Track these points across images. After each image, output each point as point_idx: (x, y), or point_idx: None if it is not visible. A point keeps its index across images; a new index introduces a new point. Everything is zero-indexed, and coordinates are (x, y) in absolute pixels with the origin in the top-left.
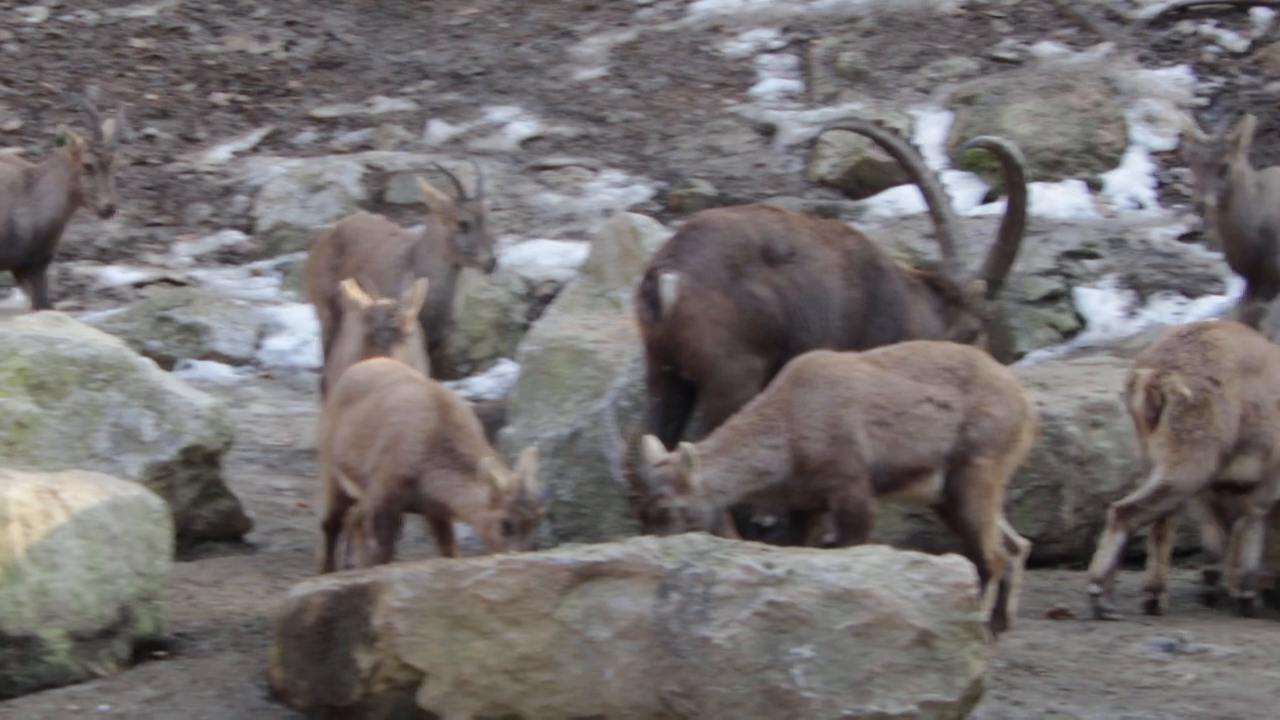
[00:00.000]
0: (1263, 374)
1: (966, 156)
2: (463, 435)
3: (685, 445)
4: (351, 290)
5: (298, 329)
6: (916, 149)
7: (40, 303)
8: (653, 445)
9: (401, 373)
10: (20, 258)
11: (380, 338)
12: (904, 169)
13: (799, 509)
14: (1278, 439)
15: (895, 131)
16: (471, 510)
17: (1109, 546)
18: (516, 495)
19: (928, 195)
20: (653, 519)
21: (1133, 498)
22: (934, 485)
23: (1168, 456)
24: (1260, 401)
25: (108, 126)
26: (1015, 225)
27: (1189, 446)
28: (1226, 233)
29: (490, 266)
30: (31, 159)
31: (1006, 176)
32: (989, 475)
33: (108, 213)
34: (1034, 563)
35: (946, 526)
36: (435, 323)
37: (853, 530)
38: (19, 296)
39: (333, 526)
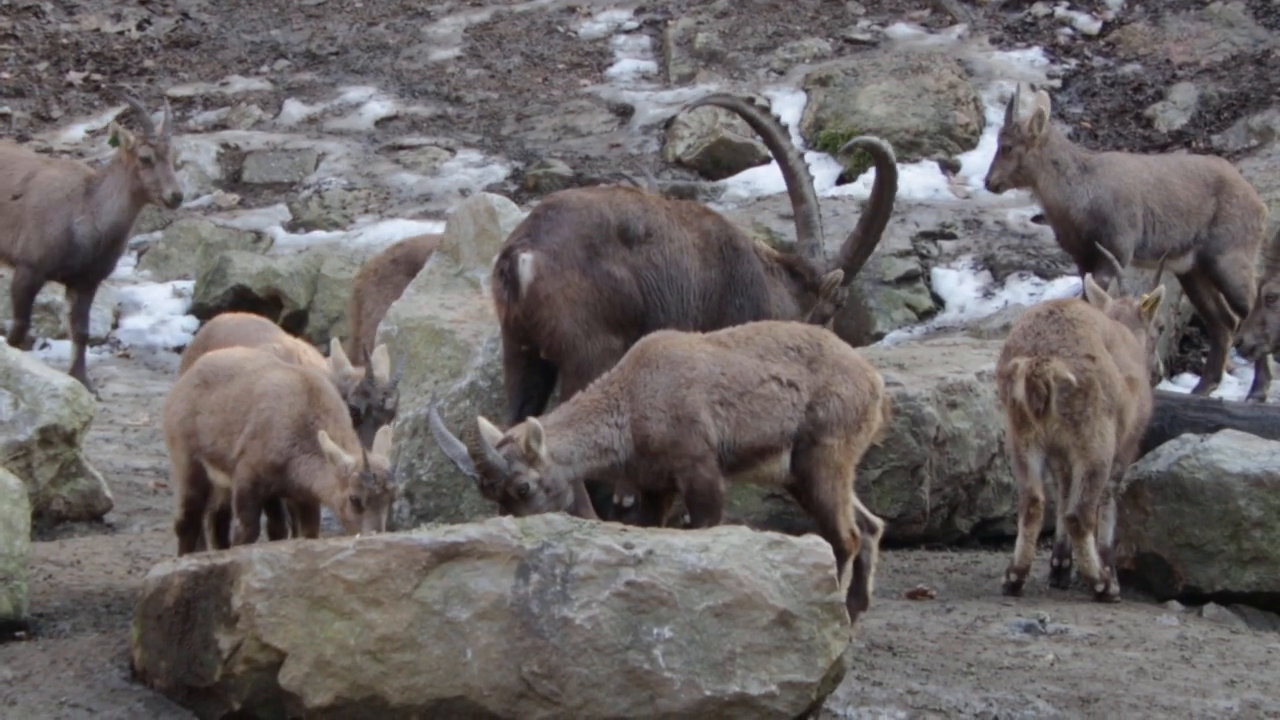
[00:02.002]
0: (1114, 350)
1: (822, 138)
2: (329, 420)
3: (530, 419)
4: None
5: (155, 308)
6: (785, 128)
7: (80, 316)
8: (488, 428)
9: (267, 358)
10: (80, 267)
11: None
12: (770, 147)
13: (650, 489)
14: (1128, 415)
15: (765, 110)
16: (329, 493)
17: (1089, 548)
18: (361, 472)
19: (790, 175)
20: (514, 499)
21: (1073, 502)
22: (782, 465)
23: (1073, 442)
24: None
25: (158, 118)
26: (879, 219)
27: (1086, 424)
28: (1051, 214)
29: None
30: None
31: (879, 174)
32: (839, 455)
33: (174, 202)
34: (893, 543)
35: (801, 507)
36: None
37: (703, 510)
38: None
39: (189, 525)
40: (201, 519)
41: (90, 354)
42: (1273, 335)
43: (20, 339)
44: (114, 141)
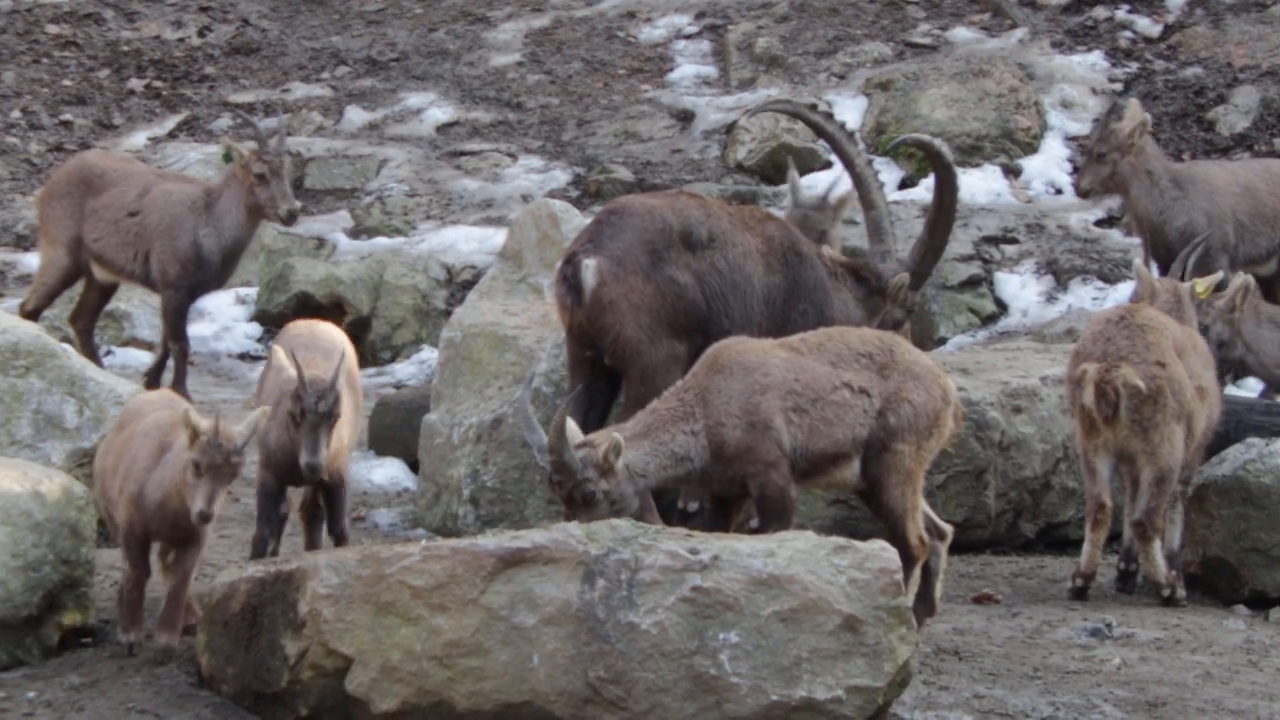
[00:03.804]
0: (1185, 357)
1: (882, 144)
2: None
3: (612, 430)
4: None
5: (218, 315)
6: (851, 134)
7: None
8: (573, 427)
9: (164, 401)
10: (212, 280)
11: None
12: (837, 153)
13: (721, 495)
14: (1197, 422)
15: (829, 116)
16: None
17: (1156, 553)
18: (211, 437)
19: (859, 181)
20: (577, 502)
21: (1140, 507)
22: (853, 471)
23: (1142, 448)
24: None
25: (273, 134)
26: (943, 220)
27: (1155, 431)
28: (1141, 225)
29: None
30: None
31: (935, 173)
32: (910, 461)
33: (290, 219)
34: (958, 548)
35: (870, 512)
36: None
37: (774, 516)
38: None
39: (136, 559)
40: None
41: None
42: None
43: (183, 359)
44: (227, 157)
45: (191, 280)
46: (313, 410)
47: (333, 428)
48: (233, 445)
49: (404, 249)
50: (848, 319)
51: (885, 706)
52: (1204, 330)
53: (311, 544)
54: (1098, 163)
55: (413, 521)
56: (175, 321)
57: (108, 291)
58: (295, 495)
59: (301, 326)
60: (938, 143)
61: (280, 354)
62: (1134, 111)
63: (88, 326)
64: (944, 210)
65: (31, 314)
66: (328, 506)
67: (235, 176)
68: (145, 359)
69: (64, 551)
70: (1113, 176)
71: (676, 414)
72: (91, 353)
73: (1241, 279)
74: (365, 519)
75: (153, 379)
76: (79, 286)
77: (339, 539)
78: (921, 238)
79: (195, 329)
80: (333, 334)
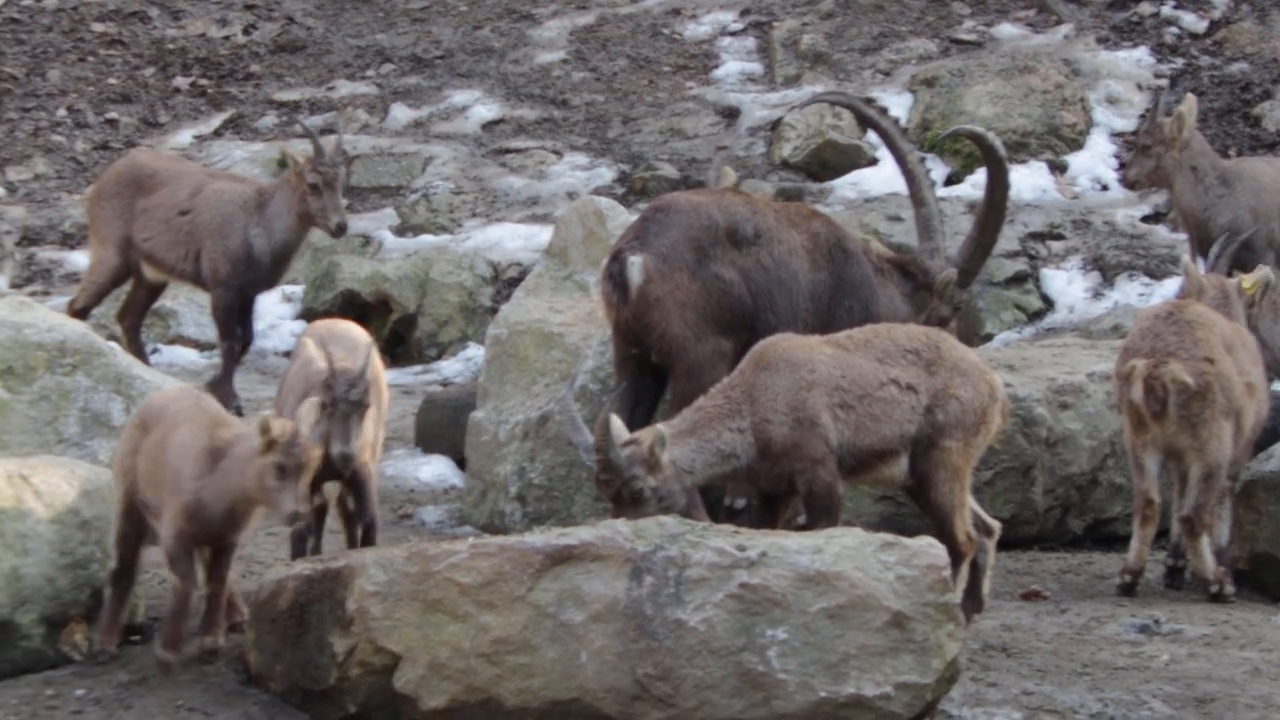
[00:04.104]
0: (1234, 354)
1: (928, 140)
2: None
3: (658, 425)
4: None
5: (265, 313)
6: (904, 130)
7: (244, 326)
8: (618, 425)
9: (189, 399)
10: (262, 280)
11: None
12: (889, 148)
13: (768, 491)
14: (1246, 418)
15: (884, 110)
16: (250, 471)
17: (1204, 549)
18: (290, 439)
19: (910, 177)
20: (625, 500)
21: (1188, 503)
22: (901, 467)
23: (1190, 444)
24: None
25: (329, 145)
26: (994, 217)
27: (1203, 427)
28: (1186, 219)
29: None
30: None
31: (987, 168)
32: (957, 457)
33: (339, 232)
34: (1006, 544)
35: (918, 508)
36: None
37: (821, 512)
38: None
39: (123, 573)
40: (134, 569)
41: (201, 359)
42: None
43: (231, 356)
44: (282, 164)
45: (242, 279)
46: (344, 399)
47: (363, 417)
48: (310, 443)
49: (450, 246)
50: (894, 315)
51: (933, 703)
52: (1253, 326)
53: (352, 541)
54: (1143, 155)
55: (460, 519)
56: (225, 320)
57: (156, 290)
58: (331, 490)
59: (322, 326)
60: (990, 136)
61: (309, 346)
62: (1187, 106)
63: (135, 324)
64: (995, 206)
65: (80, 312)
66: (355, 499)
67: (289, 182)
68: (192, 356)
69: (112, 549)
70: (1157, 170)
71: (723, 411)
72: (139, 350)
73: (1263, 273)
74: (412, 516)
75: (225, 379)
76: (127, 284)
77: (368, 528)
78: (971, 234)
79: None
80: (354, 332)
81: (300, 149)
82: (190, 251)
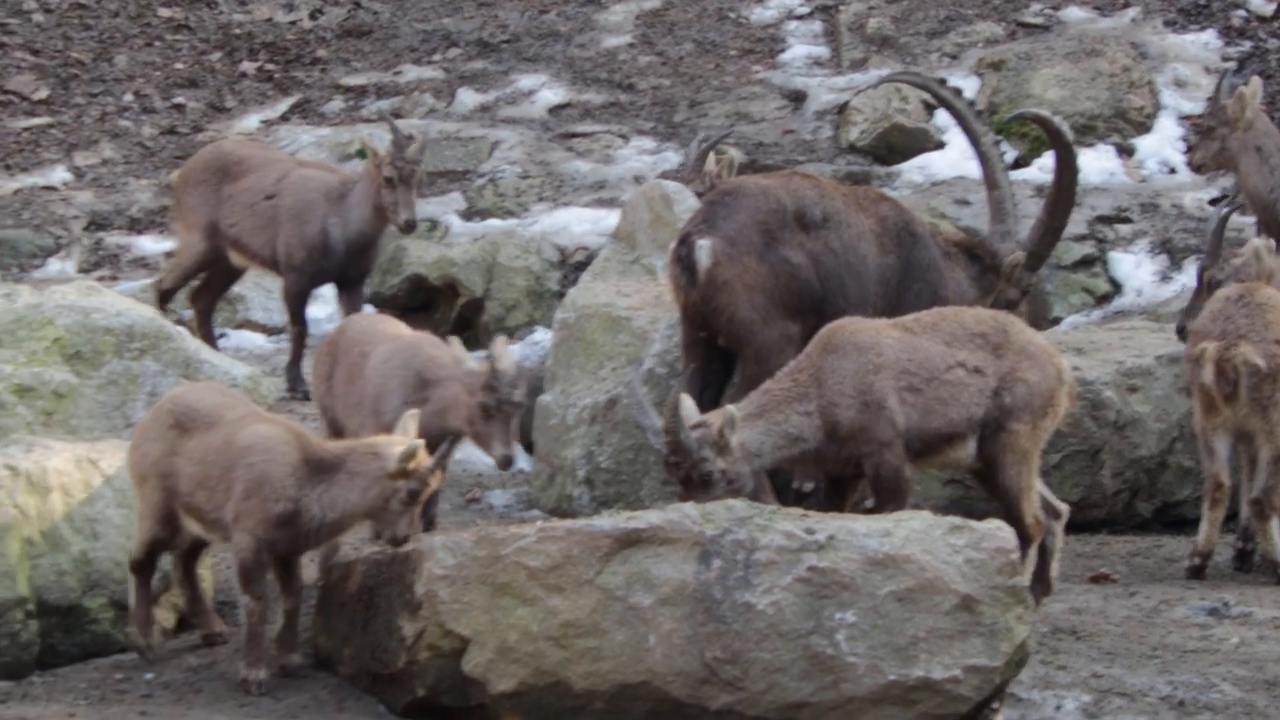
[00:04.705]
0: None
1: (995, 123)
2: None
3: (727, 407)
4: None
5: (332, 298)
6: (979, 112)
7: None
8: (689, 407)
9: (246, 407)
10: (335, 270)
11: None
12: (964, 130)
13: (835, 475)
14: None
15: (958, 92)
16: (371, 485)
17: (1273, 532)
18: (428, 470)
19: (984, 160)
20: (694, 483)
21: (1258, 486)
22: (968, 451)
23: (1261, 426)
24: None
25: (411, 141)
26: (1062, 200)
27: (1275, 409)
28: (1251, 201)
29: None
30: (61, 130)
31: (1054, 151)
32: (1025, 441)
33: (407, 228)
34: (1074, 528)
35: (986, 492)
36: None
37: (889, 496)
38: (55, 266)
39: (147, 564)
40: (158, 559)
41: (268, 343)
42: None
43: (300, 342)
44: (360, 154)
45: (315, 267)
46: (508, 400)
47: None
48: (438, 473)
49: (517, 231)
50: (961, 299)
51: (1002, 686)
52: (1218, 285)
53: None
54: (1208, 138)
55: (528, 503)
56: (295, 305)
57: (234, 275)
58: None
59: (362, 322)
60: (1057, 120)
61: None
62: (1250, 88)
63: (208, 308)
64: (1063, 190)
65: (166, 292)
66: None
67: (369, 174)
68: (259, 341)
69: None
70: (1222, 152)
71: (790, 394)
72: (208, 334)
73: (1261, 242)
74: (480, 500)
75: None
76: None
77: (430, 522)
78: (1041, 218)
79: (309, 311)
80: (397, 325)
81: (380, 141)
82: (273, 237)
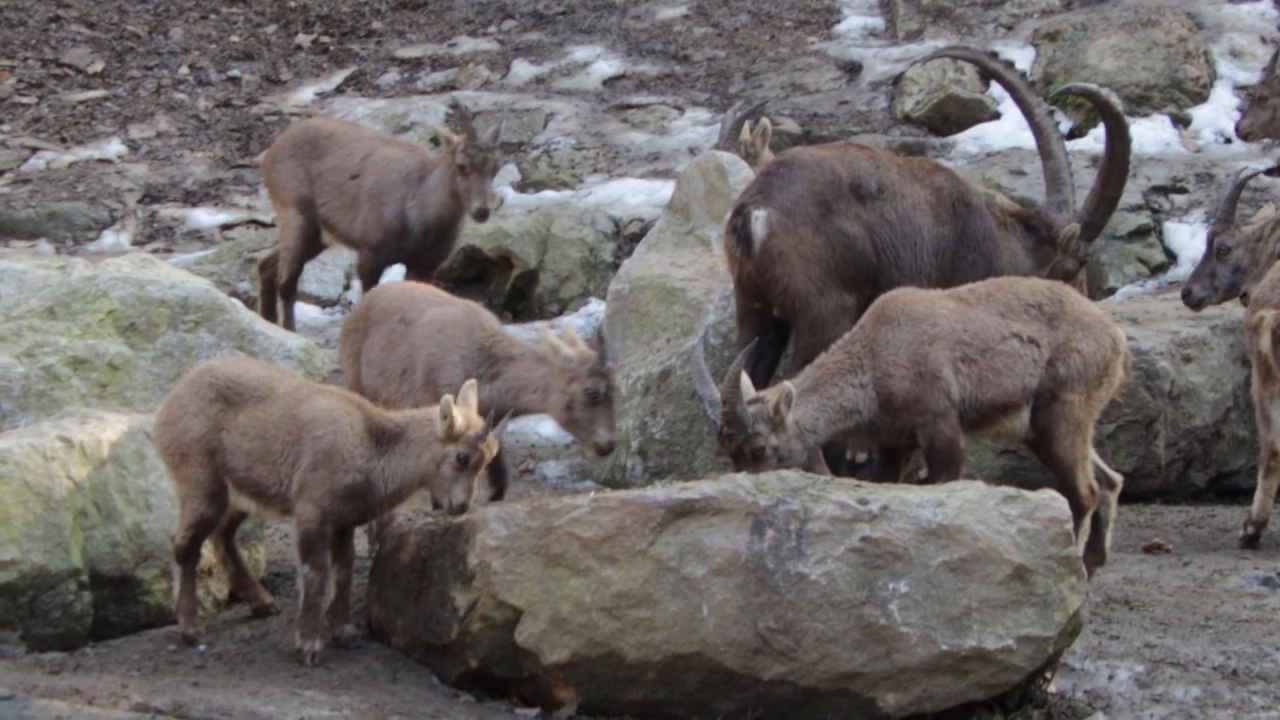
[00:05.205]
0: None
1: (1047, 95)
2: (388, 416)
3: (786, 384)
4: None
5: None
6: (1032, 84)
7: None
8: (747, 382)
9: (297, 379)
10: (412, 251)
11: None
12: (1017, 103)
13: (889, 445)
14: None
15: (1010, 64)
16: (424, 450)
17: None
18: (478, 434)
19: (1038, 131)
20: (745, 457)
21: None
22: (1022, 421)
23: None
24: None
25: (485, 130)
26: (1116, 171)
27: None
28: None
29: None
30: (117, 102)
31: (1105, 123)
32: (1079, 411)
33: (480, 217)
34: (1128, 498)
35: (1039, 462)
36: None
37: (943, 466)
38: (110, 238)
39: (193, 550)
40: (203, 543)
41: (322, 315)
42: (1221, 288)
43: None
44: (434, 142)
45: (391, 248)
46: (615, 387)
47: None
48: (493, 439)
49: (571, 202)
50: (1016, 269)
51: (1056, 656)
52: (1226, 251)
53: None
54: (1258, 106)
55: (581, 474)
56: (369, 282)
57: (315, 251)
58: None
59: (393, 289)
60: (1105, 92)
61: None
62: None
63: (273, 278)
64: (1116, 160)
65: (286, 284)
66: (493, 464)
67: (444, 160)
68: (313, 313)
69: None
70: (1272, 121)
71: (844, 367)
72: (270, 305)
73: (1273, 210)
74: (534, 471)
75: None
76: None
77: (501, 490)
78: (1095, 188)
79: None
80: (439, 294)
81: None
82: (356, 217)
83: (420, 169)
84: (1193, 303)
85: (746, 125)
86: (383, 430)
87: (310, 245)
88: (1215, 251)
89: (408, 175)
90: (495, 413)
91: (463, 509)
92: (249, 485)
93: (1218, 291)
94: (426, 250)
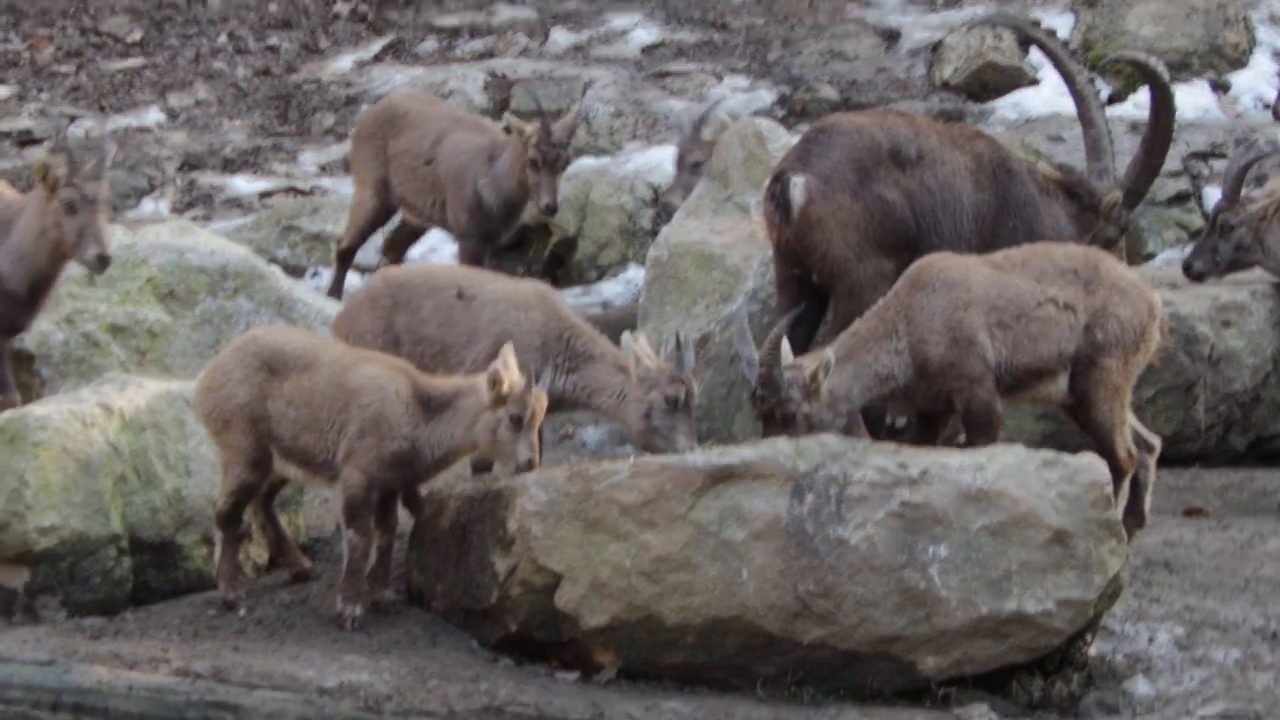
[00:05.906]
0: None
1: (1091, 59)
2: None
3: (827, 351)
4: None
5: (426, 237)
6: (1073, 52)
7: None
8: (787, 347)
9: (342, 347)
10: (498, 228)
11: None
12: (1058, 70)
13: (926, 410)
14: None
15: (1051, 33)
16: (475, 419)
17: None
18: (525, 391)
19: (1079, 99)
20: (775, 420)
21: None
22: (1059, 386)
23: None
24: None
25: (560, 125)
26: (1159, 138)
27: None
28: None
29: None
30: (155, 71)
31: (1151, 92)
32: (1117, 376)
33: (547, 212)
34: (1167, 461)
35: (1078, 426)
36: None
37: (980, 430)
38: (149, 206)
39: (235, 516)
40: (245, 509)
41: (361, 282)
42: (1223, 264)
43: None
44: (507, 130)
45: (481, 229)
46: (694, 395)
47: None
48: (540, 390)
49: (610, 169)
50: (1058, 235)
51: (1096, 619)
52: (1229, 228)
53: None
54: None
55: (620, 439)
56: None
57: (419, 230)
58: None
59: (422, 266)
60: (1153, 61)
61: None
62: None
63: (397, 260)
64: (1160, 129)
65: (345, 252)
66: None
67: (515, 150)
68: (352, 280)
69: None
70: None
71: (878, 333)
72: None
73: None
74: (573, 436)
75: None
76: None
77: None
78: (1138, 156)
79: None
80: (482, 271)
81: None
82: (436, 200)
83: (490, 149)
84: (1193, 276)
85: (715, 124)
86: (430, 397)
87: (378, 225)
88: (1218, 228)
89: (478, 156)
90: (535, 370)
91: (530, 465)
92: (296, 453)
93: (1218, 267)
94: (500, 231)
